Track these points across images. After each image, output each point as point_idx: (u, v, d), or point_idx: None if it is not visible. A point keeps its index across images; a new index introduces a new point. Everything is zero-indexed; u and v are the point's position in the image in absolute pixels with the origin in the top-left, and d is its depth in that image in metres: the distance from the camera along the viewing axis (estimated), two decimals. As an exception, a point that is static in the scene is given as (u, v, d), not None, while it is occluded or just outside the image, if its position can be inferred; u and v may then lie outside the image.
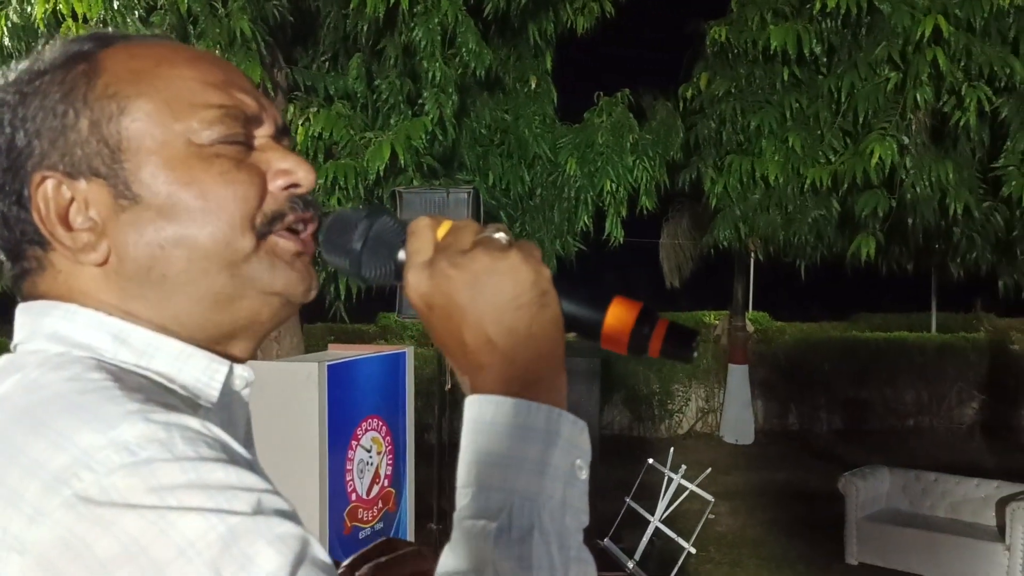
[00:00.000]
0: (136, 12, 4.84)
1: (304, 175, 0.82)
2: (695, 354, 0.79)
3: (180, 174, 0.77)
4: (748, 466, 10.67)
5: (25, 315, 0.79)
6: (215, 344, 0.81)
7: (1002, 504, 6.63)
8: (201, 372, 0.79)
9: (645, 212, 7.07)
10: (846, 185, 6.03)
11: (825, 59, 6.21)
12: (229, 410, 0.84)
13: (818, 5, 5.84)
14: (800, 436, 12.66)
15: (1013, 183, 5.88)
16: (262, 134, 0.83)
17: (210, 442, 0.66)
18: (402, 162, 5.50)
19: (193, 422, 0.66)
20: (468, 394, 0.77)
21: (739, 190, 6.51)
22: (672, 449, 6.52)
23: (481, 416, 0.74)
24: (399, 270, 0.81)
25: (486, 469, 0.73)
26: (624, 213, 6.81)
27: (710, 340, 12.89)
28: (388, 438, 4.50)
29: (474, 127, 6.67)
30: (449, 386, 5.70)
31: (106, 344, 0.76)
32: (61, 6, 4.54)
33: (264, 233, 0.80)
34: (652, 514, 6.24)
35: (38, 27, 4.92)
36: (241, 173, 0.79)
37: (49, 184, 0.77)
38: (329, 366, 4.00)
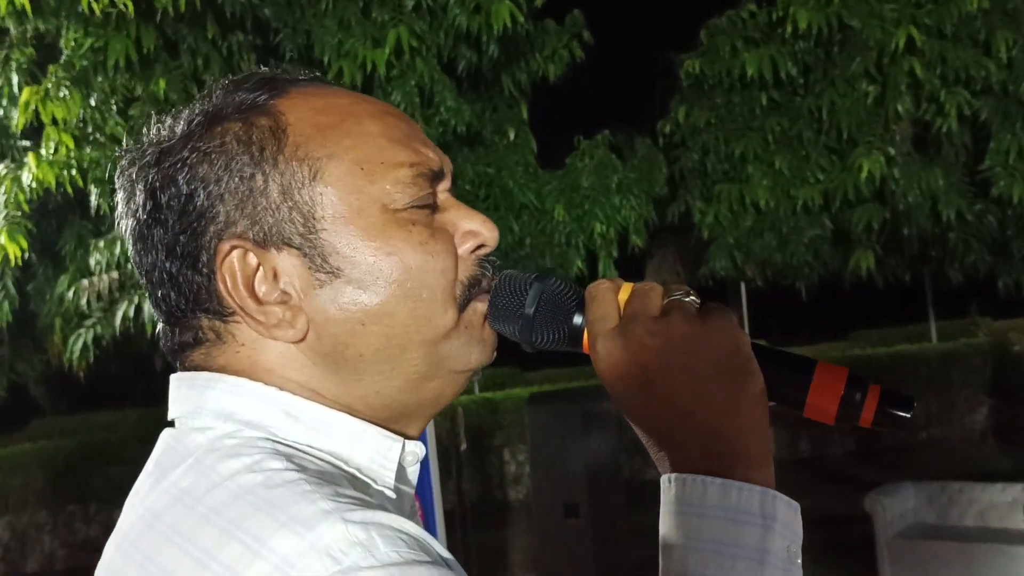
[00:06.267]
0: (114, 106, 4.78)
1: (490, 235, 0.77)
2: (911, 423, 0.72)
3: (380, 244, 0.71)
4: (766, 497, 10.52)
5: (188, 387, 0.73)
6: (391, 423, 0.75)
7: (1031, 506, 6.53)
8: (375, 451, 0.73)
9: (636, 251, 7.04)
10: (838, 202, 6.02)
11: (802, 80, 6.24)
12: (398, 489, 0.77)
13: (789, 28, 5.87)
14: (814, 461, 12.51)
15: (1001, 183, 5.89)
16: (442, 189, 0.78)
17: (408, 540, 0.61)
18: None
19: (386, 518, 0.61)
20: (663, 472, 0.71)
21: (730, 218, 6.48)
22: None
23: (687, 497, 0.68)
24: (573, 336, 0.76)
25: (699, 556, 0.67)
26: (615, 253, 6.77)
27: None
28: (420, 510, 4.35)
29: (458, 183, 6.64)
30: (464, 446, 5.60)
31: (277, 421, 0.70)
32: (42, 114, 4.48)
33: (464, 305, 0.75)
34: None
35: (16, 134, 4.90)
36: (438, 243, 0.74)
37: (236, 254, 0.71)
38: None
